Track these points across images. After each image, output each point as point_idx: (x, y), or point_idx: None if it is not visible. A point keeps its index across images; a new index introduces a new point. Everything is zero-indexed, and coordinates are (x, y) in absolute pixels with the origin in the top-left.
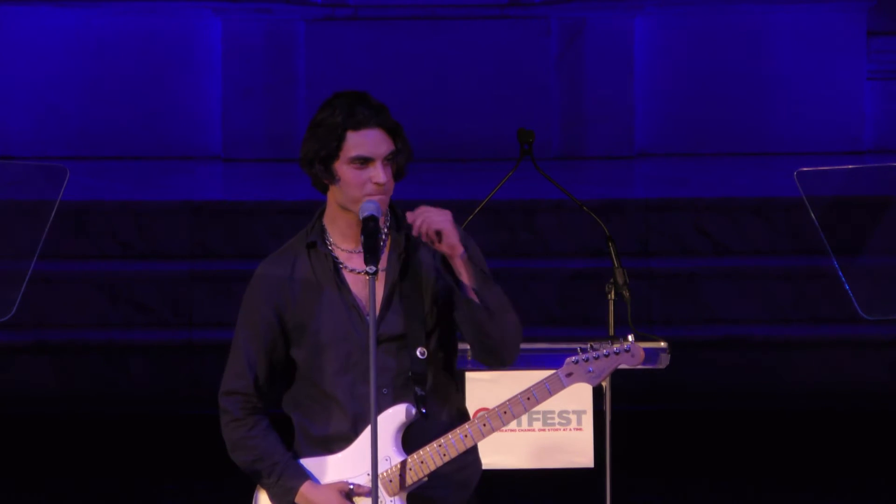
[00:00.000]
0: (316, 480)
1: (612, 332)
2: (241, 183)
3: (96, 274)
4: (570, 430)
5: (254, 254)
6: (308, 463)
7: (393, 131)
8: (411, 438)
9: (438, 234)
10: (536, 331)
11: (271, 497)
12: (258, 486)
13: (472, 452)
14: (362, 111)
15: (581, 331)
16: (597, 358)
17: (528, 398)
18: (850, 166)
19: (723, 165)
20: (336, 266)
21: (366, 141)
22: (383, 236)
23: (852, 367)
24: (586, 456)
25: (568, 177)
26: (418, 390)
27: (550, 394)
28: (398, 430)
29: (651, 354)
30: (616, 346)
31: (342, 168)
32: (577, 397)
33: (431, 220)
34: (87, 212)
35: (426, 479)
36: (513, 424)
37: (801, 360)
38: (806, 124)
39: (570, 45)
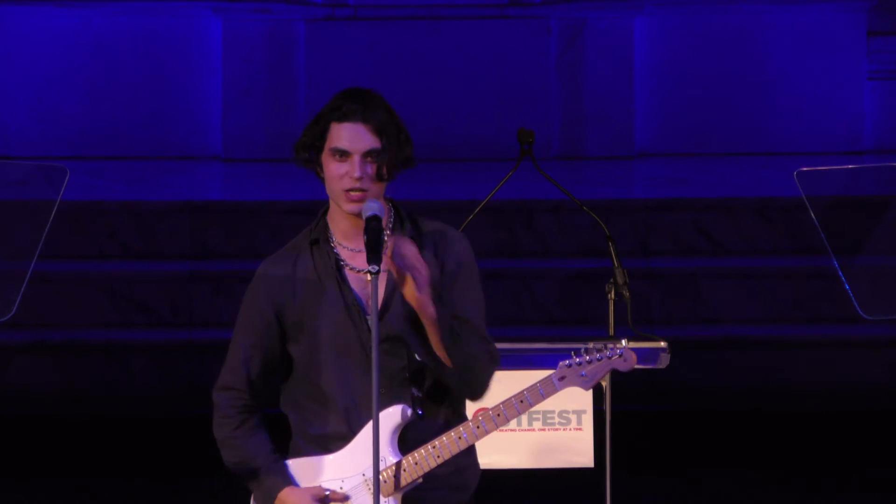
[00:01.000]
0: (296, 483)
1: (612, 332)
2: (241, 183)
3: (96, 274)
4: (570, 429)
5: (254, 254)
6: (303, 462)
7: (380, 129)
8: (408, 439)
9: (403, 275)
10: (536, 331)
11: (256, 500)
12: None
13: (470, 455)
14: (350, 105)
15: (581, 331)
16: (590, 362)
17: (521, 401)
18: (850, 166)
19: (723, 165)
20: (338, 264)
21: (345, 134)
22: (385, 237)
23: (852, 367)
24: (586, 456)
25: (568, 177)
26: (415, 391)
27: (543, 397)
28: (394, 431)
29: (651, 354)
30: (609, 350)
31: (326, 159)
32: (577, 397)
33: (410, 263)
34: (87, 212)
35: (420, 480)
36: (513, 424)
37: (801, 360)
38: (806, 124)
39: (570, 45)
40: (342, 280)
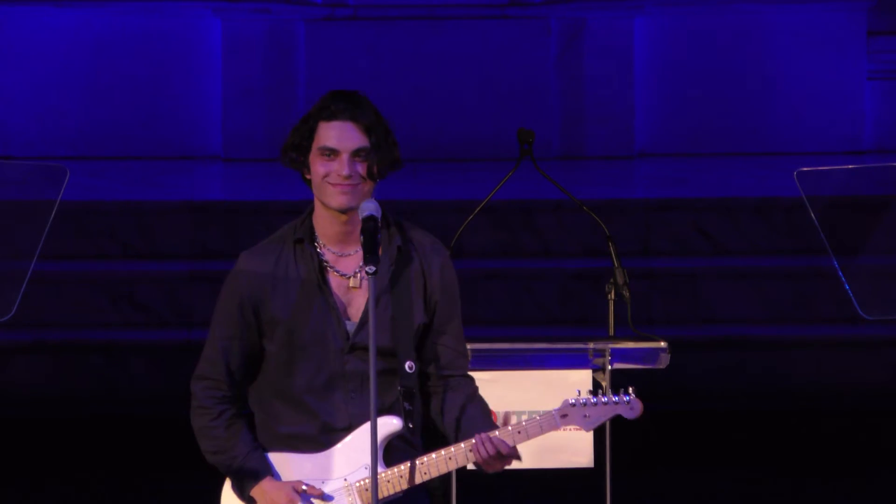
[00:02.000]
0: (277, 476)
1: (612, 332)
2: (241, 183)
3: (96, 274)
4: (570, 430)
5: None
6: (282, 457)
7: (369, 128)
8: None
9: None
10: (536, 331)
11: (233, 488)
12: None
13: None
14: (338, 104)
15: (581, 331)
16: (595, 404)
17: (520, 432)
18: (850, 166)
19: (723, 165)
20: (321, 266)
21: (333, 133)
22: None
23: (852, 367)
24: (586, 456)
25: (568, 177)
26: (406, 405)
27: (542, 431)
28: (383, 441)
29: (651, 354)
30: (616, 397)
31: (313, 159)
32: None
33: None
34: (87, 212)
35: (401, 494)
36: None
37: (801, 360)
38: (806, 124)
39: (570, 45)
40: (324, 282)
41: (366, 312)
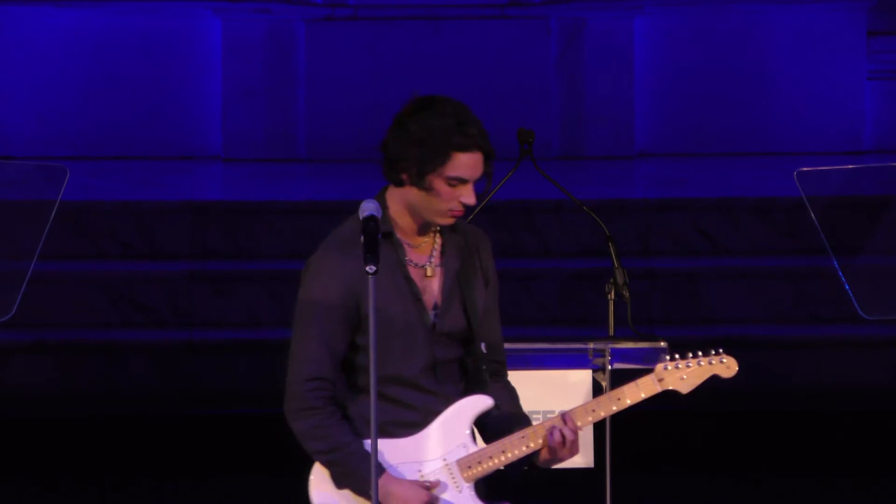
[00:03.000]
0: (386, 464)
1: (612, 332)
2: (241, 183)
3: (96, 274)
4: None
5: (254, 254)
6: (368, 445)
7: (488, 155)
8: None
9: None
10: (536, 331)
11: (343, 485)
12: (312, 475)
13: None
14: (472, 131)
15: (581, 331)
16: (688, 366)
17: (619, 398)
18: (850, 166)
19: (723, 165)
20: (403, 257)
21: (468, 164)
22: (436, 234)
23: (852, 367)
24: (586, 456)
25: (568, 177)
26: (489, 382)
27: (643, 397)
28: (473, 419)
29: (651, 354)
30: (709, 357)
31: (437, 181)
32: (577, 397)
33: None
34: (87, 212)
35: (502, 467)
36: None
37: (801, 360)
38: (806, 124)
39: (570, 45)
40: (407, 273)
41: (445, 300)
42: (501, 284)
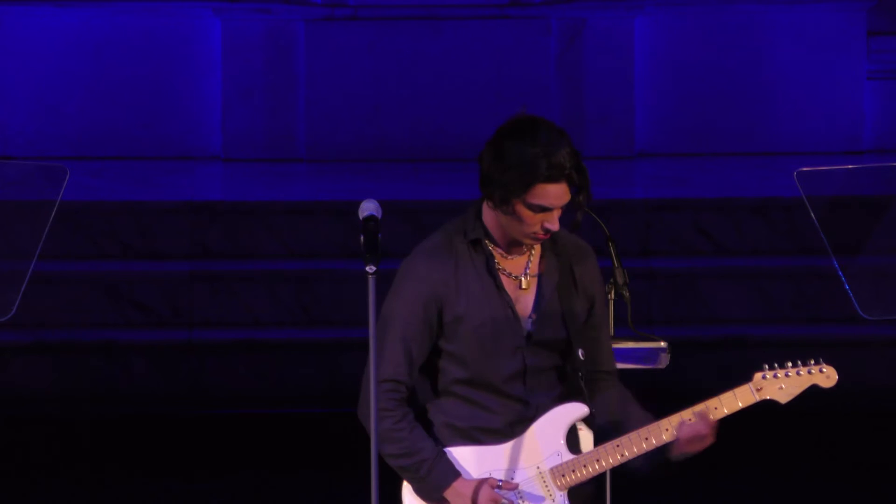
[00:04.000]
0: (465, 471)
1: (612, 332)
2: (241, 183)
3: (96, 274)
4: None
5: (254, 254)
6: (467, 451)
7: (578, 185)
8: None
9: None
10: None
11: (417, 492)
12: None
13: None
14: (559, 162)
15: None
16: (787, 376)
17: (717, 407)
18: (850, 166)
19: (723, 165)
20: (495, 266)
21: (553, 193)
22: (533, 246)
23: (852, 367)
24: None
25: None
26: (586, 391)
27: (741, 407)
28: (568, 427)
29: (651, 354)
30: (809, 367)
31: (520, 206)
32: None
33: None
34: (87, 212)
35: (591, 477)
36: None
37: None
38: (806, 124)
39: (570, 45)
40: (499, 282)
41: (542, 309)
42: None
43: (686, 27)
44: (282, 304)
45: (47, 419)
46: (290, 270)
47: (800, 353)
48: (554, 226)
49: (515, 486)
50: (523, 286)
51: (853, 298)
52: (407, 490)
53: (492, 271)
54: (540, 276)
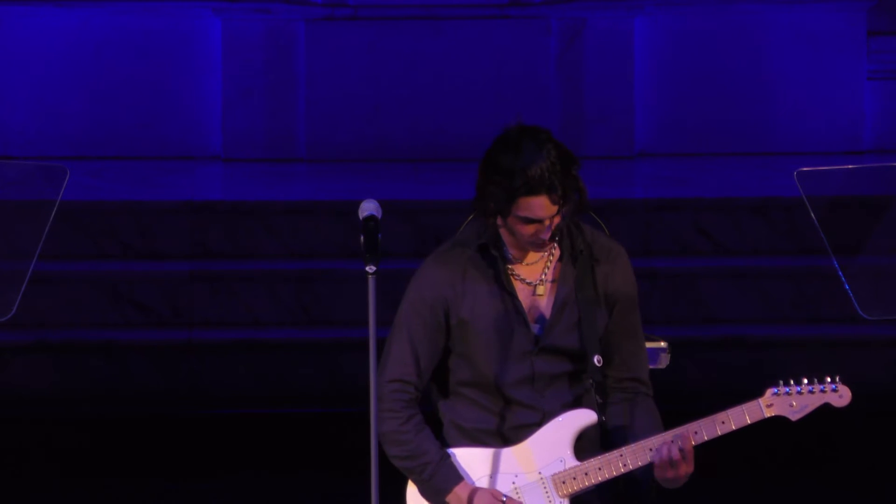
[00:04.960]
0: (468, 472)
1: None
2: (241, 183)
3: (96, 274)
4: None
5: (254, 254)
6: (462, 453)
7: (559, 195)
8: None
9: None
10: None
11: (422, 493)
12: (409, 485)
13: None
14: (534, 174)
15: None
16: (800, 393)
17: (724, 422)
18: (850, 166)
19: (723, 165)
20: (507, 271)
21: (535, 205)
22: (553, 247)
23: (852, 367)
24: None
25: None
26: (598, 398)
27: (749, 422)
28: (575, 434)
29: (651, 354)
30: (822, 385)
31: (511, 219)
32: None
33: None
34: (87, 212)
35: (594, 486)
36: None
37: (801, 360)
38: (806, 124)
39: (570, 45)
40: (510, 287)
41: (554, 316)
42: None
43: (686, 27)
44: (282, 304)
45: (47, 419)
46: (290, 270)
47: (800, 353)
48: (545, 236)
49: (518, 502)
50: (538, 292)
51: (853, 298)
52: (411, 489)
53: (500, 277)
54: (558, 282)
